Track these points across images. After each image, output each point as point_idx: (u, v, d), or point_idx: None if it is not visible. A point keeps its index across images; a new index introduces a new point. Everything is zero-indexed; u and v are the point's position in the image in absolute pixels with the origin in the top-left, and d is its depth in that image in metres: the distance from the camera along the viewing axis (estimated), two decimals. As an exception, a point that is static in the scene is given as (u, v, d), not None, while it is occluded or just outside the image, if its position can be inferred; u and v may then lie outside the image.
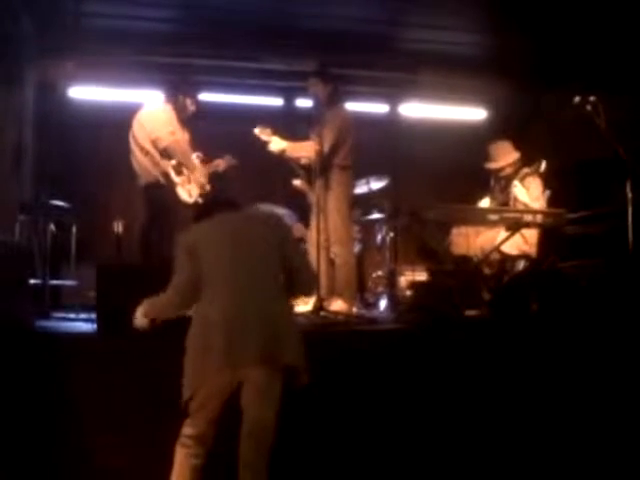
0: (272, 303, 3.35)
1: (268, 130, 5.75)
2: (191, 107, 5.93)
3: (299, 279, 3.52)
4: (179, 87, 5.90)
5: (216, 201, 3.90)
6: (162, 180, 5.67)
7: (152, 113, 5.76)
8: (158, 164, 5.64)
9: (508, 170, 6.04)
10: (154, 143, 5.62)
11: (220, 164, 6.02)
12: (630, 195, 5.12)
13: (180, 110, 5.86)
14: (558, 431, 4.40)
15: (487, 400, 4.38)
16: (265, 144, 5.76)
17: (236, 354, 3.19)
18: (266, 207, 6.78)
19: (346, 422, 4.15)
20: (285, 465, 3.54)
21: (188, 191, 5.77)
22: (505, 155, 6.04)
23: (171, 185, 5.68)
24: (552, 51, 7.08)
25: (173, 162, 5.68)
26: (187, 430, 3.35)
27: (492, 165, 6.08)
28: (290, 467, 3.79)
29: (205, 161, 5.99)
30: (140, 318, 3.52)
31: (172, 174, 5.68)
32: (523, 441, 4.36)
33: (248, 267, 3.35)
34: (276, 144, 5.73)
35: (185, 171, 5.75)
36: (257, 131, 5.75)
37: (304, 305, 5.92)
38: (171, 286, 3.42)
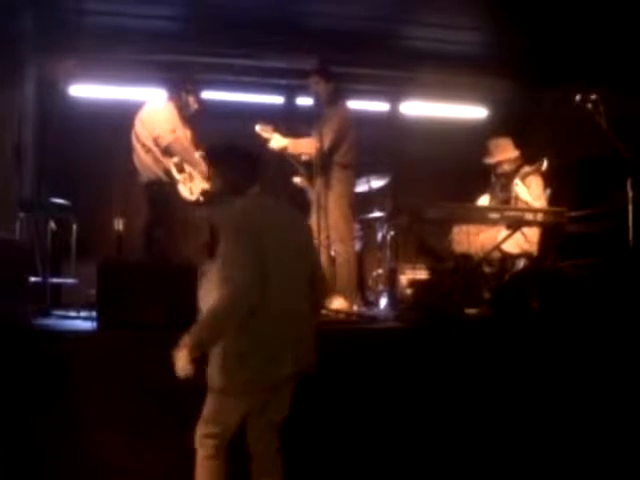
0: (306, 307, 3.29)
1: (269, 127, 5.75)
2: (193, 105, 5.93)
3: (319, 286, 3.40)
4: (181, 85, 5.90)
5: (260, 169, 3.40)
6: (164, 177, 5.68)
7: (154, 111, 5.77)
8: (160, 161, 5.65)
9: (506, 166, 6.04)
10: (156, 141, 5.63)
11: None
12: (631, 194, 5.12)
13: (182, 108, 5.87)
14: (558, 429, 4.40)
15: (487, 398, 4.39)
16: (266, 141, 5.76)
17: (299, 361, 3.15)
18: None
19: (346, 420, 4.15)
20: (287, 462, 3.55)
21: (189, 188, 5.79)
22: (502, 151, 6.05)
23: (173, 182, 5.69)
24: (553, 49, 7.06)
25: (175, 159, 5.69)
26: (214, 441, 3.18)
27: (489, 160, 6.09)
28: (291, 464, 3.80)
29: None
30: (183, 364, 2.99)
31: (174, 171, 5.69)
32: (523, 439, 4.36)
33: (298, 266, 3.22)
34: (277, 141, 5.73)
35: (187, 169, 5.76)
36: (258, 128, 5.75)
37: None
38: (240, 267, 2.97)
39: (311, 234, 3.47)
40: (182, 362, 2.99)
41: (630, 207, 5.10)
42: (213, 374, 3.13)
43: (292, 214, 3.42)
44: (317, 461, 4.07)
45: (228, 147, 3.47)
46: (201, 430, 3.20)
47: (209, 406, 3.19)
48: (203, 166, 5.89)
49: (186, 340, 3.01)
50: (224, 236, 3.10)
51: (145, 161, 5.68)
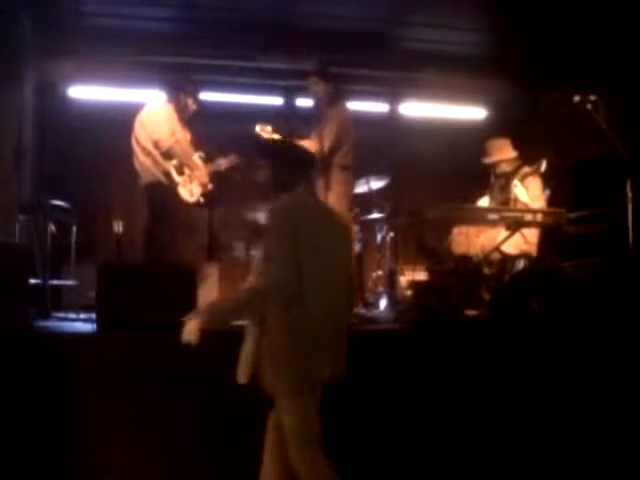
0: (344, 310, 3.33)
1: (268, 128, 5.76)
2: (192, 106, 5.93)
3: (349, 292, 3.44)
4: (180, 86, 5.89)
5: (307, 167, 3.46)
6: (164, 180, 5.68)
7: (153, 113, 5.76)
8: (159, 164, 5.65)
9: (504, 166, 6.06)
10: (155, 144, 5.62)
11: (222, 163, 6.04)
12: (630, 194, 5.11)
13: (181, 109, 5.86)
14: (558, 430, 4.40)
15: (487, 400, 4.38)
16: (265, 142, 5.76)
17: (336, 365, 3.18)
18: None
19: (346, 421, 4.15)
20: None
21: (190, 190, 5.79)
22: (500, 151, 6.08)
23: (173, 184, 5.70)
24: (552, 50, 7.07)
25: (174, 162, 5.69)
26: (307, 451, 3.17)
27: (486, 160, 6.12)
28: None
29: (207, 160, 6.00)
30: (191, 330, 3.03)
31: (173, 174, 5.69)
32: (523, 440, 4.36)
33: (338, 269, 3.26)
34: None
35: (186, 170, 5.77)
36: (258, 129, 5.75)
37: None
38: (279, 263, 3.03)
39: (350, 239, 3.46)
40: (191, 328, 3.02)
41: (629, 207, 5.09)
42: (269, 380, 3.14)
43: (334, 216, 3.44)
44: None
45: (285, 144, 3.58)
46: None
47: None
48: (202, 168, 5.91)
49: (203, 309, 3.10)
50: (267, 231, 3.14)
51: (145, 164, 5.67)
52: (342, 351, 3.25)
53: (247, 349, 3.15)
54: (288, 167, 3.32)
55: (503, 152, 6.09)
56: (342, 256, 3.33)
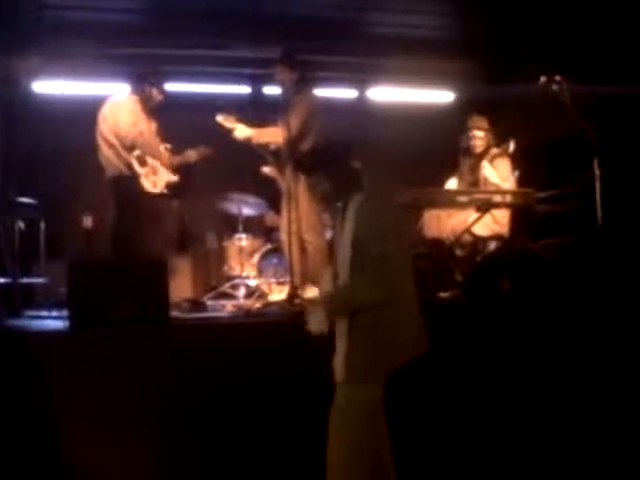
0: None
1: (232, 117, 5.74)
2: (157, 97, 5.87)
3: None
4: (144, 78, 5.83)
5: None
6: (126, 171, 5.61)
7: (115, 106, 5.70)
8: (122, 156, 5.59)
9: (476, 137, 6.10)
10: (118, 136, 5.56)
11: (192, 155, 5.99)
12: (597, 172, 5.16)
13: (146, 101, 5.80)
14: (531, 412, 4.43)
15: (460, 382, 4.41)
16: (230, 132, 5.73)
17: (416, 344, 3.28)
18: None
19: (321, 411, 4.16)
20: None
21: (153, 182, 5.73)
22: (477, 120, 6.14)
23: (135, 176, 5.63)
24: (518, 32, 7.09)
25: (136, 153, 5.61)
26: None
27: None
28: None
29: (175, 152, 5.96)
30: (320, 320, 3.17)
31: (135, 165, 5.61)
32: (497, 422, 4.39)
33: (410, 264, 3.34)
34: (241, 131, 5.71)
35: (150, 162, 5.70)
36: (221, 119, 5.73)
37: (278, 293, 5.93)
38: (384, 270, 3.11)
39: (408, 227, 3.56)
40: (319, 318, 3.15)
41: (597, 185, 5.14)
42: (357, 366, 3.19)
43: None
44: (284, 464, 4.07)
45: (329, 146, 3.68)
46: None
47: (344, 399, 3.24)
48: (167, 158, 5.86)
49: (322, 300, 3.30)
50: (372, 233, 3.14)
51: (109, 157, 5.61)
52: (422, 328, 3.31)
53: (340, 347, 3.23)
54: (348, 167, 3.42)
55: (477, 121, 6.18)
56: (408, 244, 3.42)
